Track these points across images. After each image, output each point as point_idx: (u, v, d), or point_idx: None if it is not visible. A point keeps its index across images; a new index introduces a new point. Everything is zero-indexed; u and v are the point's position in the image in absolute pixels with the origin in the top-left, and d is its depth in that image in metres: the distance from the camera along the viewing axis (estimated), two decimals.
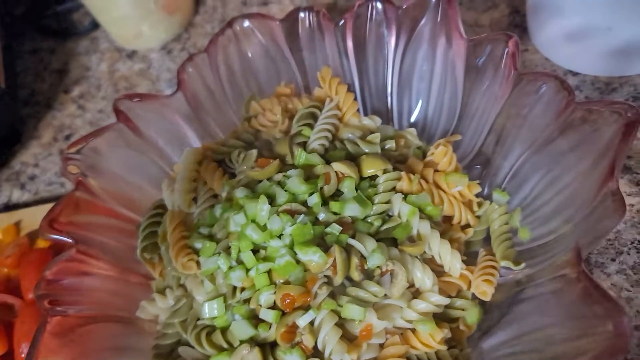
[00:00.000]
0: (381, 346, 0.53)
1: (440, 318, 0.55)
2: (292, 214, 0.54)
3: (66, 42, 1.06)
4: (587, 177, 0.53)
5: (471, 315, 0.55)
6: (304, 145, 0.62)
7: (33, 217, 0.81)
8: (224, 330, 0.53)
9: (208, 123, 0.69)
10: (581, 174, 0.54)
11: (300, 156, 0.59)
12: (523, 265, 0.55)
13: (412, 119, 0.69)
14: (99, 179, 0.63)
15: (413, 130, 0.66)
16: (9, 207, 0.88)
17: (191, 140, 0.69)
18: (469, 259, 0.58)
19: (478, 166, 0.65)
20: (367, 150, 0.61)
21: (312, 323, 0.51)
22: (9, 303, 0.69)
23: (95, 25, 1.06)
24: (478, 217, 0.61)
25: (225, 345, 0.53)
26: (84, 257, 0.58)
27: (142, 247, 0.62)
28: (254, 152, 0.60)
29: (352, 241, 0.53)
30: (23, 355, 0.64)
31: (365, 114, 0.70)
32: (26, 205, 0.88)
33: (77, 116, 0.96)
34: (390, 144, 0.62)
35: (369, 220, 0.55)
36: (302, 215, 0.53)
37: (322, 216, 0.55)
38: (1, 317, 0.69)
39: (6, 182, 0.91)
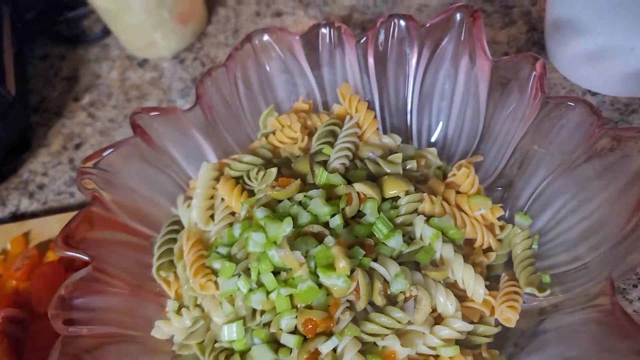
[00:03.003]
0: None
1: (463, 345, 0.54)
2: (314, 236, 0.53)
3: (77, 48, 1.05)
4: (616, 204, 0.52)
5: None
6: (324, 163, 0.61)
7: (42, 228, 0.80)
8: (243, 354, 0.52)
9: (225, 138, 0.68)
10: (609, 201, 0.53)
11: (322, 176, 0.58)
12: (548, 292, 0.54)
13: (432, 139, 0.68)
14: (113, 193, 0.62)
15: (433, 149, 0.65)
16: (17, 216, 0.87)
17: (208, 156, 0.68)
18: (491, 283, 0.57)
19: (499, 188, 0.64)
20: (388, 171, 0.60)
21: (334, 349, 0.50)
22: (18, 317, 0.68)
23: (106, 32, 1.05)
24: (500, 240, 0.60)
25: None
26: (99, 275, 0.57)
27: (157, 265, 0.61)
28: (274, 170, 0.59)
29: (375, 265, 0.52)
30: None
31: (385, 132, 0.69)
32: (34, 215, 0.87)
33: (87, 124, 0.95)
34: (412, 164, 0.61)
35: (392, 244, 0.54)
36: (329, 237, 0.52)
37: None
38: (10, 332, 0.67)
39: (14, 191, 0.90)
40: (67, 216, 0.80)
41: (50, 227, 0.79)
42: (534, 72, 0.56)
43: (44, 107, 0.99)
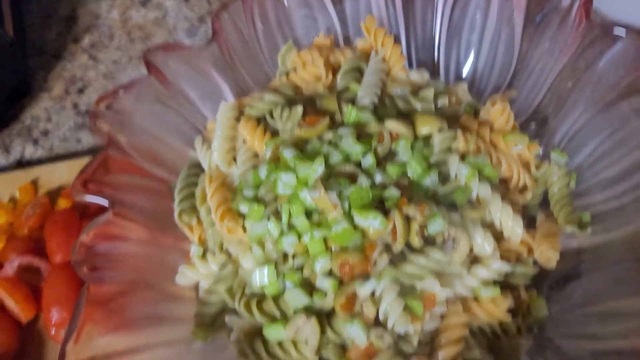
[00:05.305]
0: (442, 316, 0.50)
1: (501, 286, 0.52)
2: (347, 176, 0.50)
3: None
4: None
5: (538, 309, 0.52)
6: (352, 101, 0.58)
7: (51, 175, 0.77)
8: (276, 299, 0.51)
9: (243, 77, 0.65)
10: None
11: (351, 113, 0.55)
12: (589, 230, 0.53)
13: (463, 74, 0.65)
14: (128, 135, 0.59)
15: (464, 85, 0.62)
16: (23, 163, 0.84)
17: (225, 95, 0.64)
18: (526, 223, 0.55)
19: (533, 125, 0.61)
20: (419, 108, 0.57)
21: (372, 292, 0.48)
22: (35, 266, 0.65)
23: None
24: (535, 179, 0.58)
25: (278, 315, 0.50)
26: (119, 220, 0.54)
27: (179, 209, 0.58)
28: (300, 108, 0.56)
29: (412, 206, 0.50)
30: (53, 321, 0.61)
31: (410, 68, 0.66)
32: (40, 161, 0.83)
33: (89, 67, 0.91)
34: (444, 101, 0.58)
35: (427, 184, 0.52)
36: (363, 177, 0.50)
37: (378, 178, 0.51)
38: (28, 280, 0.65)
39: (17, 137, 0.86)
40: (77, 162, 0.77)
41: (59, 174, 0.76)
42: None
43: (42, 50, 0.94)
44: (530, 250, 0.54)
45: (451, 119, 0.59)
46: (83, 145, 0.84)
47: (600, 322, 0.48)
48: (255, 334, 0.51)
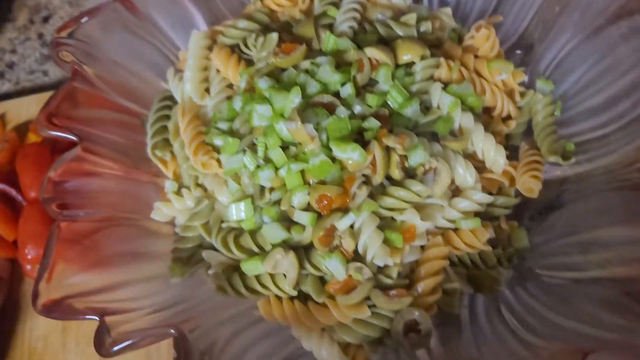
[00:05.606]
0: (422, 248, 0.50)
1: (481, 217, 0.51)
2: (325, 106, 0.48)
3: None
4: None
5: (519, 240, 0.51)
6: (330, 27, 0.55)
7: (19, 109, 0.74)
8: (253, 233, 0.49)
9: (216, 3, 0.61)
10: (637, 67, 0.49)
11: (329, 40, 0.52)
12: (574, 160, 0.52)
13: None
14: (96, 67, 0.56)
15: (448, 10, 0.59)
16: None
17: (197, 23, 0.61)
18: (509, 153, 0.54)
19: (519, 51, 0.59)
20: (401, 34, 0.54)
21: (351, 226, 0.47)
22: (12, 196, 0.64)
23: None
24: (519, 108, 0.56)
25: (256, 249, 0.49)
26: (89, 156, 0.52)
27: (152, 144, 0.56)
28: (275, 35, 0.53)
29: (392, 137, 0.48)
30: (30, 257, 0.60)
31: None
32: (7, 96, 0.80)
33: None
34: (426, 26, 0.56)
35: (408, 114, 0.50)
36: (341, 107, 0.47)
37: (357, 109, 0.49)
38: (9, 208, 0.64)
39: None
40: (45, 96, 0.72)
41: (27, 109, 0.74)
42: None
43: None
44: (512, 181, 0.53)
45: (434, 46, 0.56)
46: (50, 78, 0.80)
47: (581, 252, 0.47)
48: (234, 269, 0.50)
